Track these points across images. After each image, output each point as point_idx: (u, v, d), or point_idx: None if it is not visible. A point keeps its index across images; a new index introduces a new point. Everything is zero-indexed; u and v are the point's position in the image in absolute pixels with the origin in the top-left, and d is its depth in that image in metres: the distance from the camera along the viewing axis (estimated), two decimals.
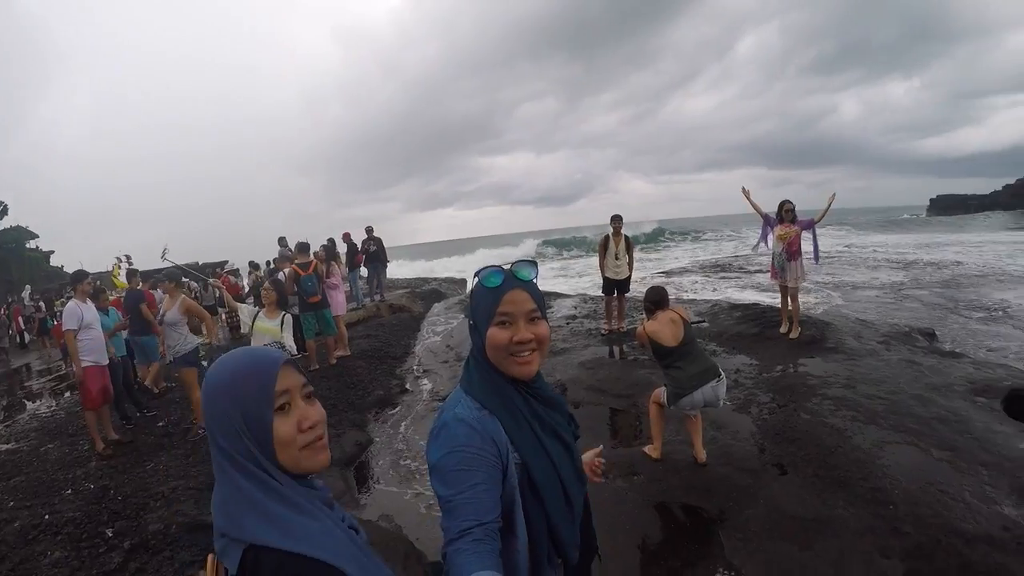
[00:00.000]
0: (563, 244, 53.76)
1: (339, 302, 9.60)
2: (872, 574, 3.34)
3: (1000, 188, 58.24)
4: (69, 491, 5.58)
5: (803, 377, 6.41)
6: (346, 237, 13.82)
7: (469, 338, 1.51)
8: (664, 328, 4.72)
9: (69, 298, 7.33)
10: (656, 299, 4.94)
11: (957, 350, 7.11)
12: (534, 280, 1.48)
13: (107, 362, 6.70)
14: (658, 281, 20.00)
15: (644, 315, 5.05)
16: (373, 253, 13.77)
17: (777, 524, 3.86)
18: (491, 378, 1.44)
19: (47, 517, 5.05)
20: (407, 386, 8.31)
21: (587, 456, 1.80)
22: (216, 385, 1.09)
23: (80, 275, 6.87)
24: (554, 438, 1.47)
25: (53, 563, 4.34)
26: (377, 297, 14.32)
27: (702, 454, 4.77)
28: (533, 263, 1.51)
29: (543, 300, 1.48)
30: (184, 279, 13.29)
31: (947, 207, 57.87)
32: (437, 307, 14.08)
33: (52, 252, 42.57)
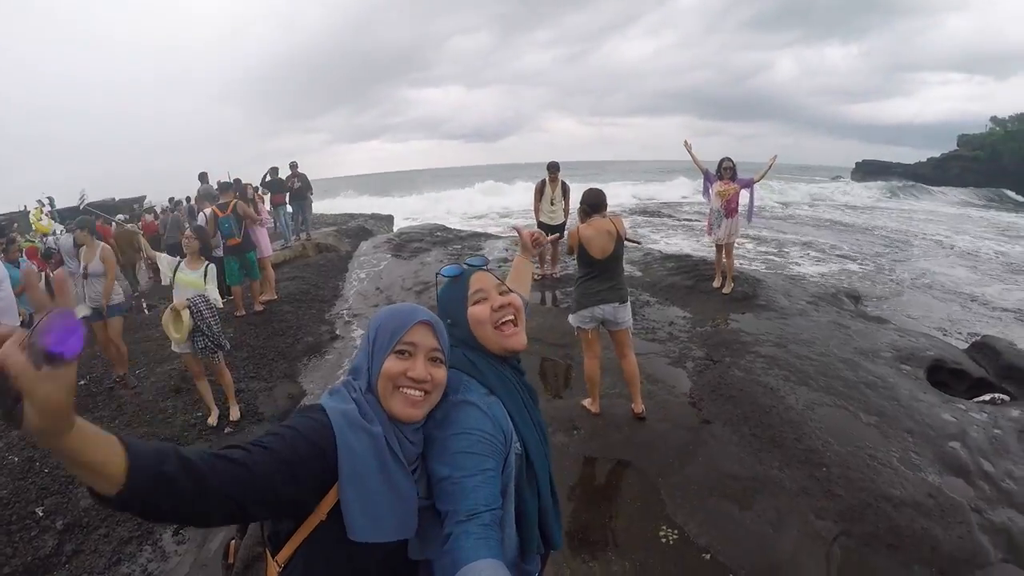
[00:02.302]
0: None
1: (264, 243, 8.95)
2: (808, 534, 3.43)
3: (924, 160, 60.30)
4: None
5: (736, 333, 6.53)
6: (273, 172, 13.18)
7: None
8: (598, 238, 4.52)
9: None
10: (594, 202, 4.68)
11: (881, 315, 7.37)
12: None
13: (17, 322, 6.06)
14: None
15: (579, 216, 4.82)
16: (298, 190, 13.06)
17: (717, 483, 3.91)
18: (490, 362, 1.48)
19: None
20: (337, 332, 7.99)
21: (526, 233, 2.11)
22: (376, 317, 1.39)
23: None
24: (538, 427, 1.53)
25: None
26: (303, 235, 13.67)
27: (640, 405, 4.76)
28: (482, 258, 1.66)
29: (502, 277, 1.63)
30: (113, 219, 12.45)
31: (871, 172, 58.62)
32: (365, 245, 13.51)
33: None
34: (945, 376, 5.75)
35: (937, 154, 59.78)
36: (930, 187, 47.44)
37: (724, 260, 8.07)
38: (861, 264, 14.00)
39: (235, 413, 5.50)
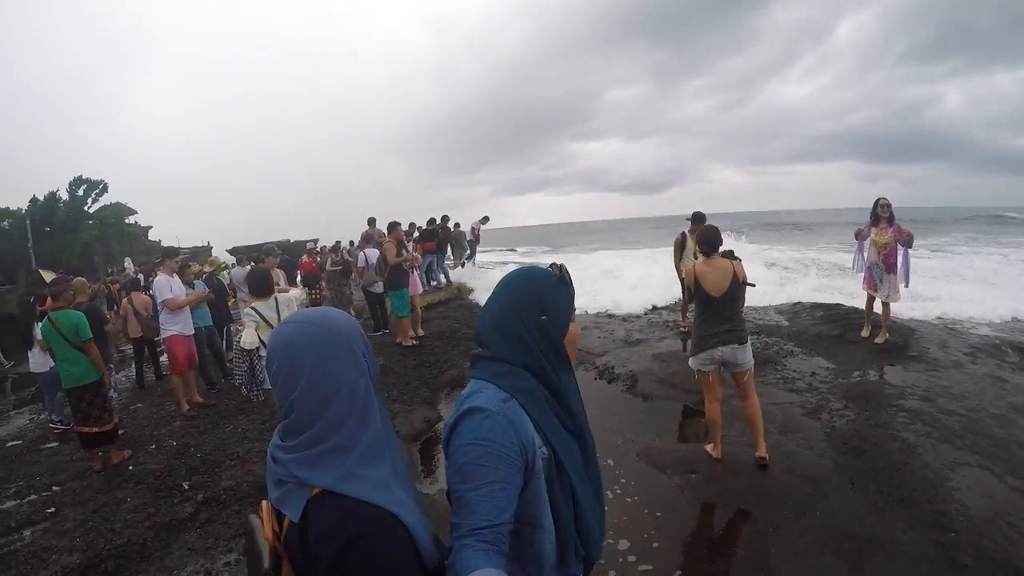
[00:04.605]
0: None
1: (413, 283, 9.77)
2: None
3: None
4: (153, 446, 6.23)
5: (880, 386, 6.27)
6: (430, 223, 14.83)
7: None
8: (712, 274, 4.67)
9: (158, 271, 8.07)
10: (710, 240, 4.81)
11: None
12: None
13: (192, 332, 7.28)
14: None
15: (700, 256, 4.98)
16: (444, 239, 15.05)
17: (830, 539, 3.85)
18: (516, 370, 1.44)
19: (131, 468, 5.69)
20: None
21: None
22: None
23: (170, 251, 7.67)
24: (577, 433, 1.52)
25: (132, 508, 4.91)
26: (443, 279, 15.16)
27: (763, 451, 4.76)
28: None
29: None
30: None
31: None
32: None
33: (150, 227, 46.13)
34: None
35: None
36: None
37: (877, 310, 7.70)
38: None
39: None
